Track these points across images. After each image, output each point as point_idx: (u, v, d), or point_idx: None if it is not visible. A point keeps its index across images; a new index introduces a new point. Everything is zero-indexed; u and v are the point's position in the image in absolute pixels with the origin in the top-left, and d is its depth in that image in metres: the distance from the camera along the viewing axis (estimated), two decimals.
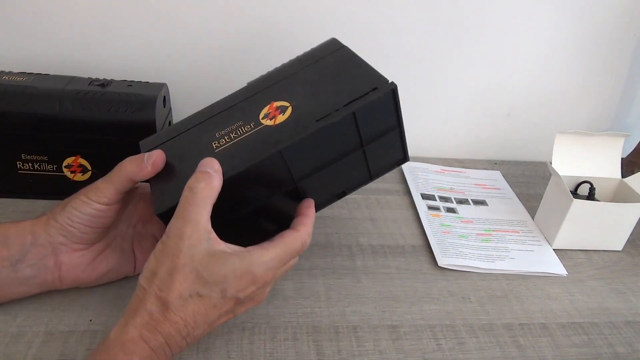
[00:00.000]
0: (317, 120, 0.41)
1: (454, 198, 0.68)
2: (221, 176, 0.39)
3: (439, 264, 0.56)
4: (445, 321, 0.49)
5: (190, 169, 0.40)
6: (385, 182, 0.70)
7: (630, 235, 0.60)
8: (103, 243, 0.46)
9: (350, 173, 0.47)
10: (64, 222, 0.42)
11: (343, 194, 0.48)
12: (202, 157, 0.40)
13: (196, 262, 0.37)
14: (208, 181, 0.38)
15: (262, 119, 0.44)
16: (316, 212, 0.45)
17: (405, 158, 0.49)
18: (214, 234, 0.38)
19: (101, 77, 0.59)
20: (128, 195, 0.45)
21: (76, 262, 0.44)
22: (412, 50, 0.71)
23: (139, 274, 0.39)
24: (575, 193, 0.63)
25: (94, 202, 0.42)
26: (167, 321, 0.36)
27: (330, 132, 0.42)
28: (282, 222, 0.44)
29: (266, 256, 0.39)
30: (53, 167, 0.57)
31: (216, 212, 0.39)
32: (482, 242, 0.60)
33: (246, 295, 0.39)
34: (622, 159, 0.64)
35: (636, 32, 0.74)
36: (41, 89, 0.54)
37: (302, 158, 0.42)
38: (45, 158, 0.56)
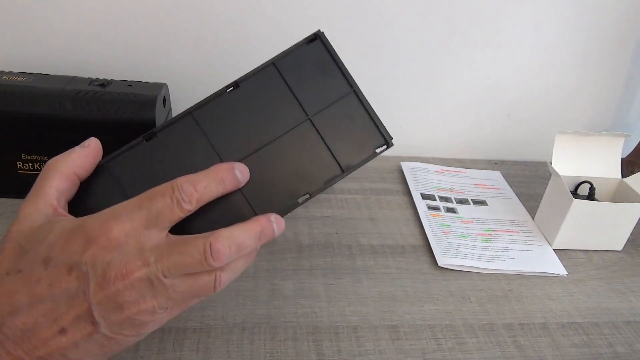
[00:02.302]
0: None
1: (454, 198, 0.68)
2: (88, 150, 0.34)
3: (439, 264, 0.56)
4: (445, 321, 0.49)
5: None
6: (385, 182, 0.70)
7: (630, 235, 0.60)
8: None
9: (309, 160, 0.37)
10: None
11: (308, 196, 0.37)
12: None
13: (22, 235, 0.30)
14: (65, 154, 0.34)
15: None
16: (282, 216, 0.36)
17: (386, 141, 0.38)
18: (58, 208, 0.32)
19: (101, 77, 0.59)
20: None
21: None
22: (412, 50, 0.71)
23: None
24: (575, 193, 0.63)
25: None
26: None
27: (253, 90, 0.36)
28: (223, 216, 0.35)
29: (106, 210, 0.30)
30: None
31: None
32: (482, 242, 0.60)
33: (89, 262, 0.29)
34: (622, 159, 0.64)
35: (636, 32, 0.74)
36: (41, 89, 0.54)
37: (224, 126, 0.36)
38: (45, 158, 0.56)
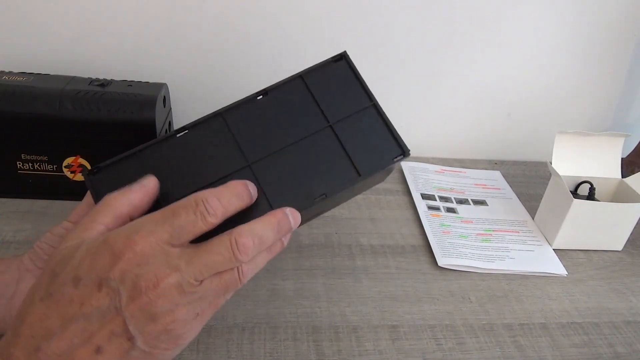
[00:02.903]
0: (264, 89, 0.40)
1: (454, 198, 0.68)
2: (146, 190, 0.34)
3: (439, 264, 0.56)
4: (445, 321, 0.49)
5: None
6: (385, 182, 0.70)
7: (630, 235, 0.61)
8: None
9: (328, 165, 0.39)
10: (36, 244, 0.38)
11: (324, 196, 0.39)
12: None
13: (55, 261, 0.30)
14: (124, 192, 0.33)
15: None
16: (301, 224, 0.37)
17: (403, 151, 0.40)
18: None
19: (101, 77, 0.59)
20: None
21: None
22: (412, 50, 0.71)
23: None
24: (575, 193, 0.63)
25: (66, 220, 0.38)
26: (12, 343, 0.29)
27: (280, 98, 0.39)
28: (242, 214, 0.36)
29: (129, 224, 0.31)
30: (53, 167, 0.57)
31: (160, 198, 0.35)
32: (482, 242, 0.60)
33: (117, 277, 0.28)
34: (622, 159, 0.64)
35: (636, 32, 0.74)
36: (41, 89, 0.54)
37: (251, 128, 0.38)
38: (45, 158, 0.56)
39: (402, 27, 0.69)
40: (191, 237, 0.31)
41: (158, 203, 0.35)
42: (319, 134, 0.39)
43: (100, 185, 0.37)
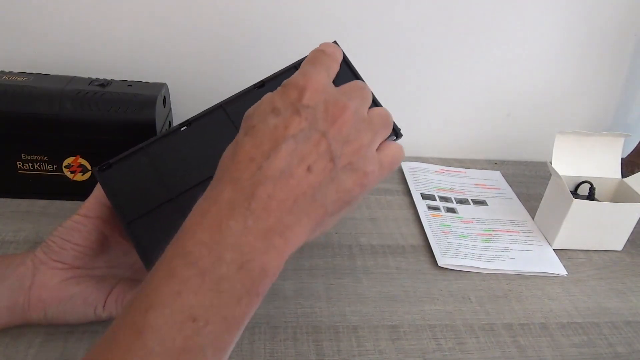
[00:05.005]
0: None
1: (454, 198, 0.68)
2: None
3: (439, 264, 0.56)
4: (445, 321, 0.49)
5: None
6: (385, 182, 0.70)
7: (630, 235, 0.61)
8: (83, 271, 0.42)
9: None
10: (48, 238, 0.41)
11: None
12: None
13: (245, 116, 0.33)
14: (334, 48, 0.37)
15: None
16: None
17: (397, 132, 0.41)
18: None
19: (101, 77, 0.59)
20: None
21: (45, 280, 0.40)
22: (412, 50, 0.71)
23: (96, 319, 0.40)
24: (575, 193, 0.63)
25: (76, 214, 0.41)
26: (231, 169, 0.30)
27: (274, 88, 0.41)
28: None
29: (296, 73, 0.34)
30: (53, 167, 0.57)
31: (166, 183, 0.38)
32: (482, 242, 0.60)
33: (310, 103, 0.31)
34: (622, 159, 0.64)
35: (636, 32, 0.74)
36: (41, 89, 0.54)
37: None
38: (45, 158, 0.56)
39: (402, 27, 0.69)
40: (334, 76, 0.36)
41: (169, 196, 0.37)
42: None
43: (110, 180, 0.39)
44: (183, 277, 0.27)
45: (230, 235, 0.28)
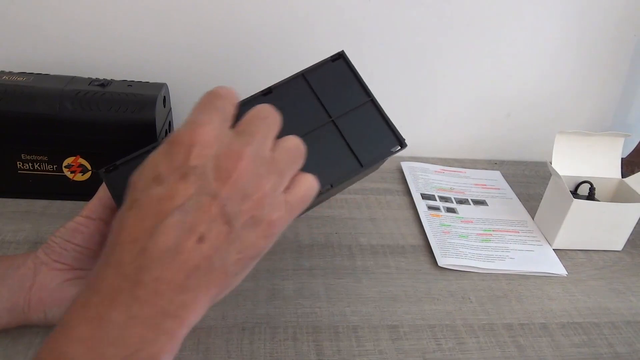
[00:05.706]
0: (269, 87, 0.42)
1: (454, 198, 0.68)
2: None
3: (439, 264, 0.56)
4: (445, 321, 0.49)
5: None
6: (385, 182, 0.70)
7: (630, 235, 0.60)
8: (84, 272, 0.42)
9: (331, 156, 0.42)
10: (50, 239, 0.41)
11: (329, 186, 0.41)
12: None
13: (130, 181, 0.30)
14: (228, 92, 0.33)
15: None
16: (308, 209, 0.41)
17: (401, 143, 0.44)
18: None
19: (101, 77, 0.59)
20: None
21: (46, 282, 0.40)
22: (412, 50, 0.71)
23: None
24: (575, 193, 0.63)
25: (78, 215, 0.41)
26: (114, 252, 0.28)
27: (284, 95, 0.41)
28: None
29: (181, 125, 0.30)
30: (53, 167, 0.57)
31: None
32: (482, 242, 0.60)
33: (198, 163, 0.28)
34: (622, 159, 0.64)
35: (636, 32, 0.74)
36: (41, 89, 0.54)
37: None
38: (45, 158, 0.56)
39: (402, 27, 0.69)
40: (232, 120, 0.32)
41: None
42: (322, 128, 0.42)
43: (116, 182, 0.39)
44: None
45: (113, 328, 0.26)
